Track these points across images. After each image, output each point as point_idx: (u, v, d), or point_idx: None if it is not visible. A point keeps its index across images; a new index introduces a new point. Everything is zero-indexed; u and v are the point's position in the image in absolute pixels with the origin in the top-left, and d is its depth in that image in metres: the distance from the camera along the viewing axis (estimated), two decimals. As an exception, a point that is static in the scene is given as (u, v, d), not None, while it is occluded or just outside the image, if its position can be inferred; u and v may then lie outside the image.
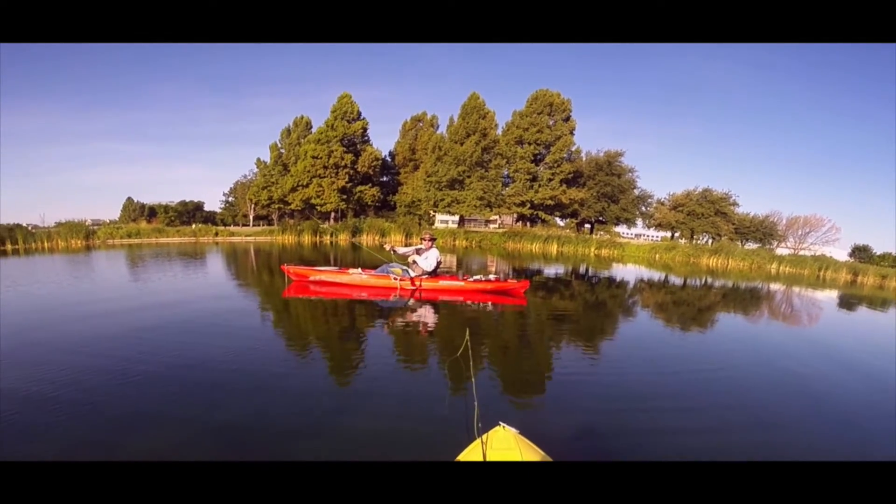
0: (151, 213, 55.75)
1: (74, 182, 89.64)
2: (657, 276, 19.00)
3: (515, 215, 41.80)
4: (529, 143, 38.66)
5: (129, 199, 63.24)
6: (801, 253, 38.49)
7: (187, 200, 57.22)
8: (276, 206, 44.33)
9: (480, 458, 2.00)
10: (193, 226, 33.27)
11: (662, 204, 45.76)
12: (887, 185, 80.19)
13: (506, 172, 40.74)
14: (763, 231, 44.44)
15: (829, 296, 16.87)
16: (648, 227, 48.77)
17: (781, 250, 40.58)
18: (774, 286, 17.96)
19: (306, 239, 29.20)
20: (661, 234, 48.09)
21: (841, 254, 43.10)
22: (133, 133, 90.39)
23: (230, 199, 58.86)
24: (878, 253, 44.22)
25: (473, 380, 2.87)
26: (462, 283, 9.84)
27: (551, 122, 38.56)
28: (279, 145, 45.52)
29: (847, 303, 15.24)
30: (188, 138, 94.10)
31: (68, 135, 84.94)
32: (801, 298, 15.23)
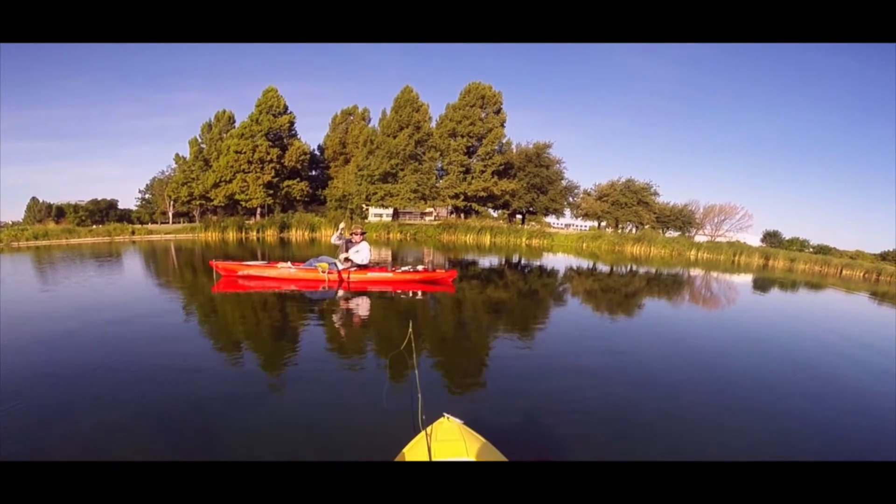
0: (60, 213, 51.33)
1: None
2: (585, 264, 19.78)
3: (450, 207, 41.99)
4: (462, 136, 38.88)
5: (34, 199, 57.98)
6: (718, 239, 41.50)
7: (99, 199, 52.97)
8: (198, 202, 41.88)
9: (425, 451, 1.97)
10: (107, 225, 30.56)
11: (589, 194, 47.60)
12: (796, 173, 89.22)
13: (439, 165, 40.76)
14: (682, 219, 47.10)
15: (745, 279, 18.27)
16: (576, 217, 50.55)
17: (699, 237, 43.52)
18: (694, 272, 19.20)
19: (231, 235, 27.84)
20: (588, 223, 50.06)
21: (754, 239, 46.58)
22: (38, 131, 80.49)
23: (147, 196, 55.06)
24: (787, 238, 48.53)
25: (416, 372, 2.74)
26: (390, 275, 9.90)
27: (483, 115, 38.99)
28: (199, 140, 42.99)
29: (762, 285, 16.54)
30: (102, 135, 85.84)
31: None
32: (719, 282, 16.34)
